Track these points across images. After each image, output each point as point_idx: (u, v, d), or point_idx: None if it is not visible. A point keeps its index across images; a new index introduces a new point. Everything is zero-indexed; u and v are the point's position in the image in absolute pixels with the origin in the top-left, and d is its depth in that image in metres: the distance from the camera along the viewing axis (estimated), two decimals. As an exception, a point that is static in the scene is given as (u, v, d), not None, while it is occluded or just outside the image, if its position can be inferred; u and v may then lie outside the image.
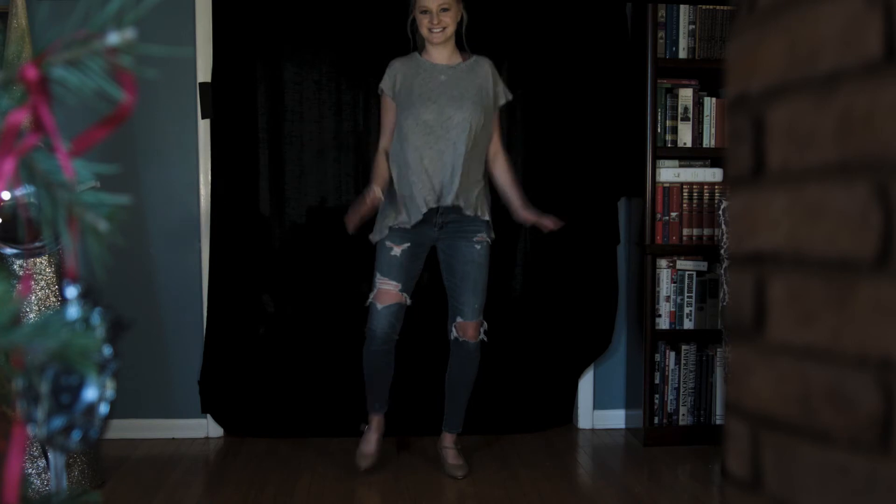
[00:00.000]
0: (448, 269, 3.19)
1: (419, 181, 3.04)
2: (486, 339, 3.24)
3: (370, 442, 3.26)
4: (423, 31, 3.07)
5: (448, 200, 3.06)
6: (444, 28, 3.05)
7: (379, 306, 3.13)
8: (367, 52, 3.60)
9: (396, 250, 3.10)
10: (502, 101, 3.21)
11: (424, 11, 3.04)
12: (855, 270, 0.73)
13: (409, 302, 3.17)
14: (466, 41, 3.17)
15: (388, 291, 3.12)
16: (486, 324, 3.24)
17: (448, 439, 3.31)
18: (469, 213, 3.10)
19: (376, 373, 3.21)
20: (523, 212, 3.18)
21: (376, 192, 3.09)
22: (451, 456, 3.26)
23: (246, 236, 3.65)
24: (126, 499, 2.96)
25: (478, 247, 3.15)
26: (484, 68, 3.16)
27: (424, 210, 3.07)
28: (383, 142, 3.19)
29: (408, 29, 3.18)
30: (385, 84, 3.15)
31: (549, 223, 3.14)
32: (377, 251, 3.16)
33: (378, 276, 3.14)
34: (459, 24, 3.11)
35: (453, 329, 3.21)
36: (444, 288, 3.26)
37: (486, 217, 3.15)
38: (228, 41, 3.59)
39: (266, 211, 3.68)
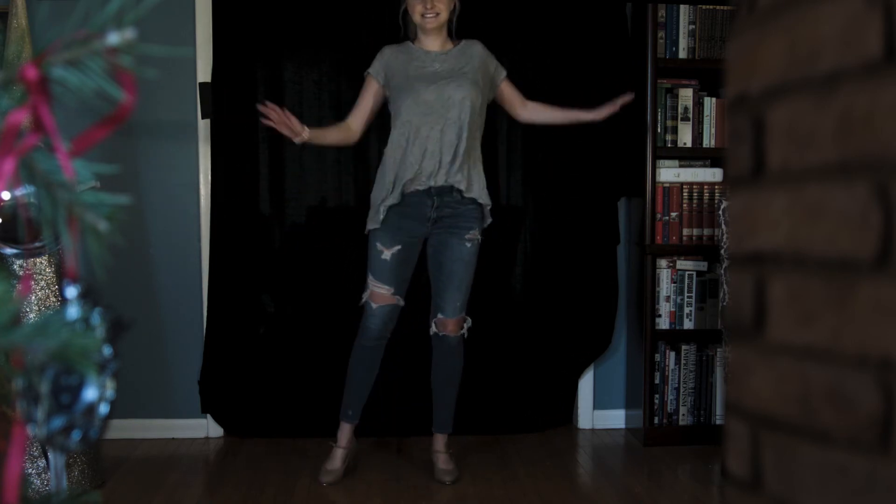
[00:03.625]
0: (436, 266, 3.15)
1: (420, 161, 3.01)
2: (465, 334, 3.20)
3: (335, 458, 3.19)
4: (417, 18, 3.07)
5: (451, 179, 3.02)
6: (438, 14, 3.04)
7: (374, 305, 3.11)
8: (367, 52, 3.59)
9: (386, 254, 3.08)
10: (503, 75, 3.23)
11: None
12: (855, 270, 0.73)
13: (402, 303, 3.15)
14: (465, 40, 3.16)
15: (381, 294, 3.11)
16: (469, 320, 3.20)
17: (439, 442, 3.26)
18: (470, 194, 3.05)
19: (361, 371, 3.17)
20: (595, 113, 3.14)
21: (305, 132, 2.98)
22: (441, 461, 3.21)
23: (246, 236, 3.65)
24: (126, 499, 2.96)
25: (468, 245, 3.11)
26: (475, 49, 3.16)
27: (423, 188, 3.02)
28: (351, 118, 3.16)
29: (399, 18, 3.19)
30: (374, 69, 3.14)
31: (622, 100, 3.12)
32: (369, 248, 3.12)
33: (370, 277, 3.12)
34: (451, 14, 3.12)
35: (433, 324, 3.17)
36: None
37: (484, 199, 3.10)
38: (228, 41, 3.59)
39: (266, 211, 3.68)
